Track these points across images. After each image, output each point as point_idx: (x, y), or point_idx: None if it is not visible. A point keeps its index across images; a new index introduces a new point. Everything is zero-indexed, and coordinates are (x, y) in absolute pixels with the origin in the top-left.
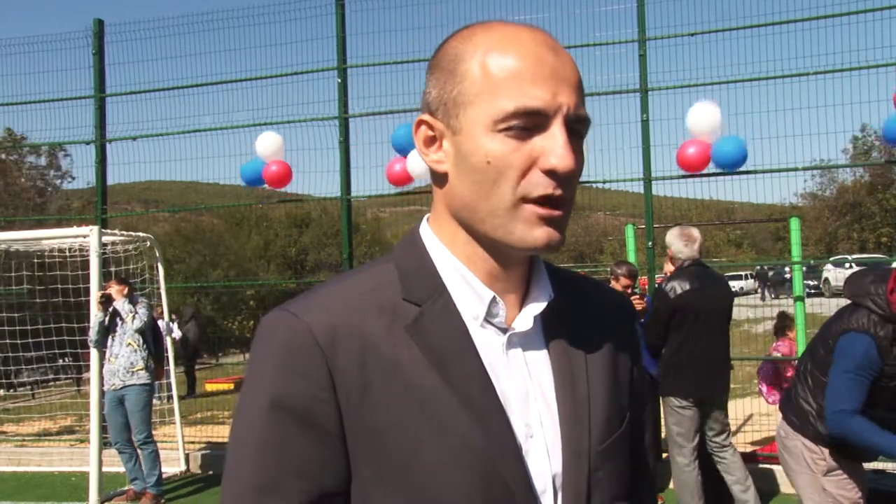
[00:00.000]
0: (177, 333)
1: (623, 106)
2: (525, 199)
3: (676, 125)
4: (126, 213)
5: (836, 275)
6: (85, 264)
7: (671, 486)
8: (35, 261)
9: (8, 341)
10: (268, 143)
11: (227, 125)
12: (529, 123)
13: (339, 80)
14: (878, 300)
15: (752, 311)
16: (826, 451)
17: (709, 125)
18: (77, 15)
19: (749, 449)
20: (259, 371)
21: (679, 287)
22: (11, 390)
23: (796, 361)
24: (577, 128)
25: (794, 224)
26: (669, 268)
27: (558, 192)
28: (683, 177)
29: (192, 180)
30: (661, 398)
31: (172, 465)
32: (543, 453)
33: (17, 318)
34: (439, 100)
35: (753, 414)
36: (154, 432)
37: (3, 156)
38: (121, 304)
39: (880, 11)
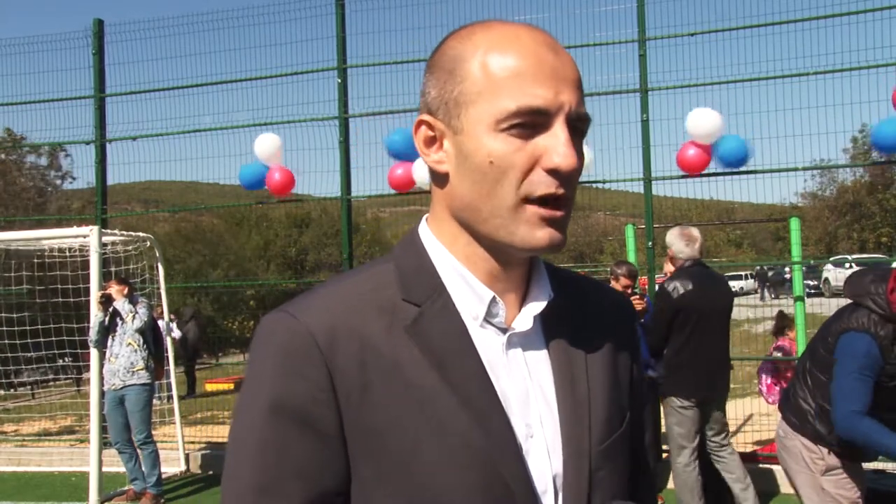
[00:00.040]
0: (176, 333)
1: (623, 106)
2: (527, 199)
3: (676, 125)
4: (126, 213)
5: (836, 275)
6: (85, 264)
7: (671, 485)
8: (35, 261)
9: (8, 341)
10: (266, 145)
11: (227, 125)
12: (532, 122)
13: (339, 80)
14: (879, 300)
15: (752, 311)
16: (825, 450)
17: (708, 130)
18: (77, 15)
19: (749, 449)
20: (258, 372)
21: (682, 287)
22: (11, 390)
23: (796, 361)
24: (578, 126)
25: (794, 224)
26: (669, 268)
27: (561, 191)
28: (683, 177)
29: (192, 180)
30: (661, 398)
31: (172, 465)
32: (544, 453)
33: (17, 319)
34: (440, 100)
35: (753, 414)
36: (154, 432)
37: (3, 156)
38: (121, 304)
39: (880, 11)
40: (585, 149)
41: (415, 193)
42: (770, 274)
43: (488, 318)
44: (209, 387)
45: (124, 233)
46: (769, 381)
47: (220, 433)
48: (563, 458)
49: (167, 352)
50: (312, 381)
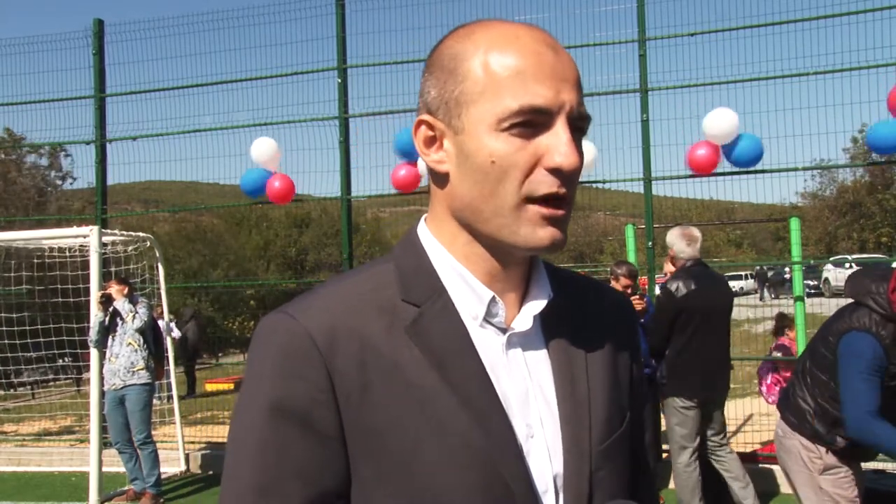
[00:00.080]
0: (176, 333)
1: (623, 106)
2: (529, 199)
3: (676, 125)
4: (126, 213)
5: (836, 275)
6: (85, 264)
7: (671, 485)
8: (35, 261)
9: (8, 341)
10: (263, 149)
11: (227, 125)
12: (533, 122)
13: (339, 80)
14: (880, 299)
15: (752, 311)
16: (822, 449)
17: (726, 130)
18: (77, 15)
19: (749, 449)
20: (258, 373)
21: (684, 287)
22: (11, 390)
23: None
24: (579, 125)
25: (794, 224)
26: (669, 268)
27: (563, 190)
28: (683, 177)
29: (192, 180)
30: (662, 398)
31: (172, 465)
32: (544, 453)
33: (17, 319)
34: (440, 99)
35: (753, 414)
36: (154, 432)
37: (3, 156)
38: (121, 304)
39: (880, 11)
40: (588, 146)
41: (415, 193)
42: (770, 274)
43: (488, 317)
44: (209, 387)
45: (124, 233)
46: (769, 380)
47: (220, 433)
48: (564, 459)
49: (167, 352)
50: (312, 382)
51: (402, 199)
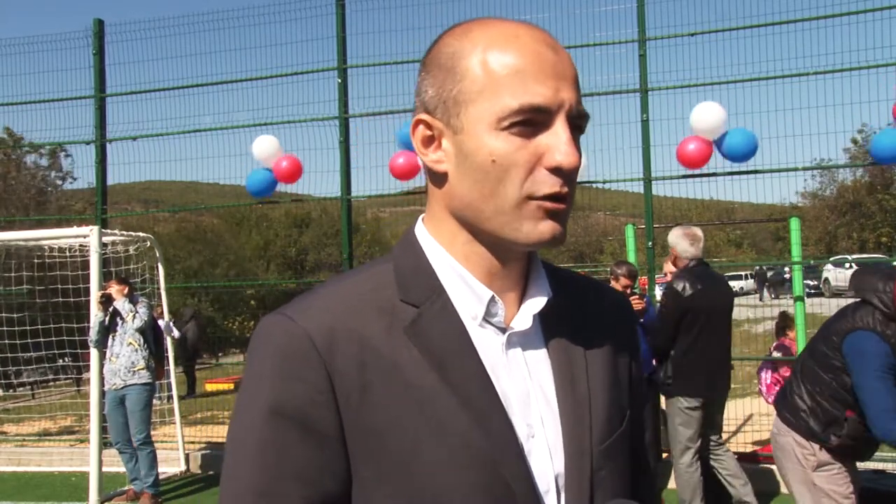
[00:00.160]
0: (175, 333)
1: (623, 106)
2: (531, 197)
3: (676, 125)
4: (126, 213)
5: (836, 275)
6: (85, 264)
7: (671, 485)
8: (35, 261)
9: (8, 341)
10: (264, 147)
11: (227, 125)
12: (532, 120)
13: (339, 80)
14: (885, 297)
15: (751, 311)
16: (816, 446)
17: (712, 124)
18: (77, 15)
19: (749, 449)
20: (257, 375)
21: (690, 287)
22: (11, 390)
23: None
24: (578, 123)
25: (794, 224)
26: (670, 268)
27: (565, 189)
28: (683, 177)
29: (192, 180)
30: (666, 399)
31: (172, 465)
32: (546, 453)
33: (17, 318)
34: (437, 98)
35: (753, 414)
36: (154, 432)
37: (3, 156)
38: (121, 304)
39: (880, 11)
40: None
41: (415, 193)
42: (770, 274)
43: (487, 317)
44: (209, 387)
45: (124, 233)
46: (769, 380)
47: (220, 433)
48: (565, 458)
49: (167, 352)
50: (311, 383)
51: (402, 200)
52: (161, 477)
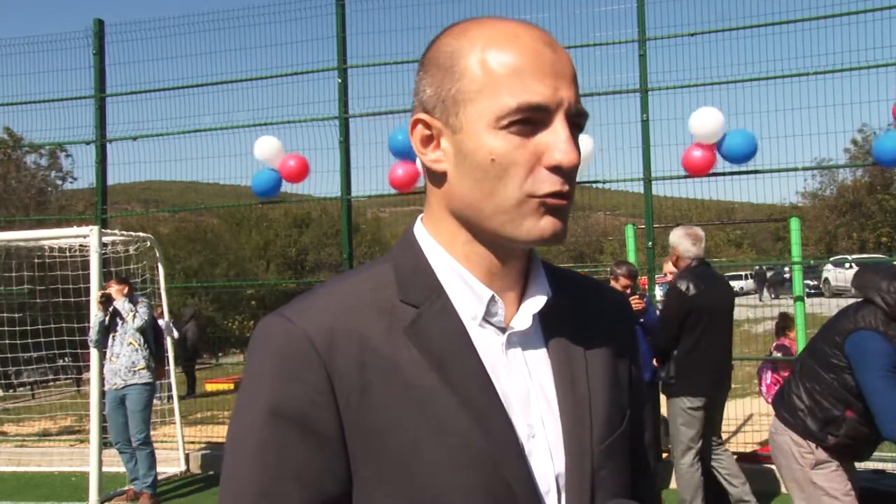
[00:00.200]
0: (175, 333)
1: (623, 106)
2: (531, 196)
3: (676, 125)
4: (126, 213)
5: (836, 275)
6: (85, 264)
7: (671, 485)
8: (35, 261)
9: (8, 341)
10: (266, 147)
11: (227, 125)
12: (532, 119)
13: (340, 80)
14: (888, 297)
15: (751, 311)
16: (813, 445)
17: (711, 129)
18: (77, 15)
19: (749, 449)
20: (256, 376)
21: (693, 287)
22: (11, 390)
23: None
24: (577, 122)
25: (794, 224)
26: (669, 268)
27: (566, 188)
28: (683, 177)
29: (192, 180)
30: (668, 399)
31: (172, 465)
32: (546, 453)
33: (17, 318)
34: (436, 97)
35: (753, 414)
36: (154, 432)
37: (2, 155)
38: (121, 304)
39: (880, 11)
40: (586, 140)
41: (415, 193)
42: (769, 274)
43: (487, 317)
44: (209, 387)
45: (124, 233)
46: (769, 380)
47: (220, 433)
48: (566, 458)
49: (167, 352)
50: (310, 384)
51: (402, 199)
52: (161, 477)
